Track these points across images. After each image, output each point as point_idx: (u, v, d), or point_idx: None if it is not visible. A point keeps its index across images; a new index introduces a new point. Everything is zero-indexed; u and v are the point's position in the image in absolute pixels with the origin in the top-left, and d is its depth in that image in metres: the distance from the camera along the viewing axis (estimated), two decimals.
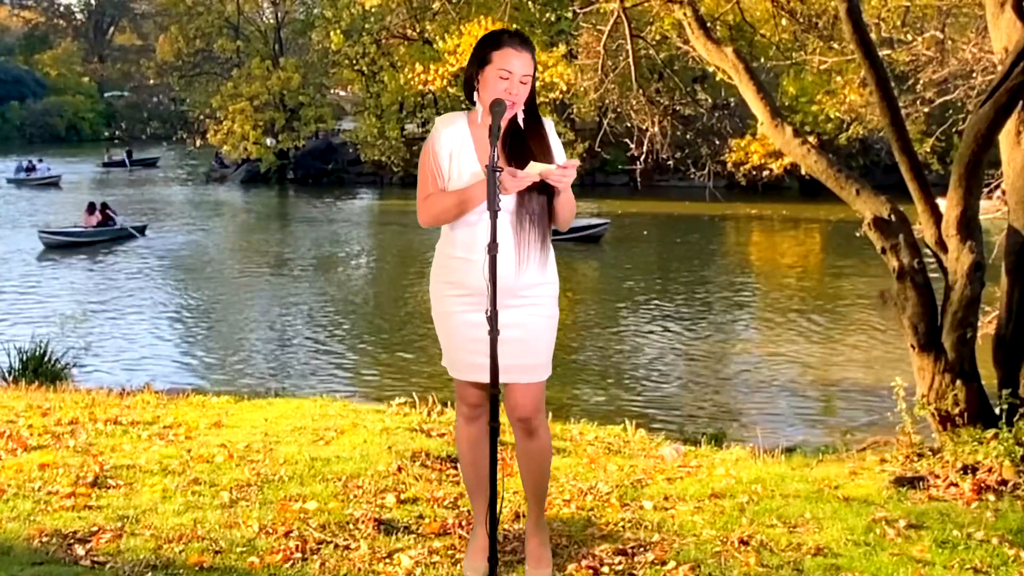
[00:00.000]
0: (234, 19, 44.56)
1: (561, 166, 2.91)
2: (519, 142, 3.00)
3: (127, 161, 49.58)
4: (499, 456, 3.00)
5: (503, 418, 3.06)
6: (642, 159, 10.19)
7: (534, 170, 2.88)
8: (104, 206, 26.17)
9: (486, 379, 2.92)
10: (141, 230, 26.37)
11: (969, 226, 4.70)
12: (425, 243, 24.54)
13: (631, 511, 3.82)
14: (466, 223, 2.98)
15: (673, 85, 13.64)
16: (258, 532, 3.49)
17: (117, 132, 64.32)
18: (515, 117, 3.01)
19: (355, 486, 4.00)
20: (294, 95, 40.44)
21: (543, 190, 2.97)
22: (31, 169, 40.49)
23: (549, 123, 3.11)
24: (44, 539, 3.42)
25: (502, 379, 2.91)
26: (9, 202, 34.57)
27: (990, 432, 4.44)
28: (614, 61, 8.97)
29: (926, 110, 10.09)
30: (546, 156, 2.99)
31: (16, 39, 72.82)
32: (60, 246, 24.43)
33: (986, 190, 6.71)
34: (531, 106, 3.04)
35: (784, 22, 9.19)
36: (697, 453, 5.20)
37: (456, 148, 3.00)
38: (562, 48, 15.04)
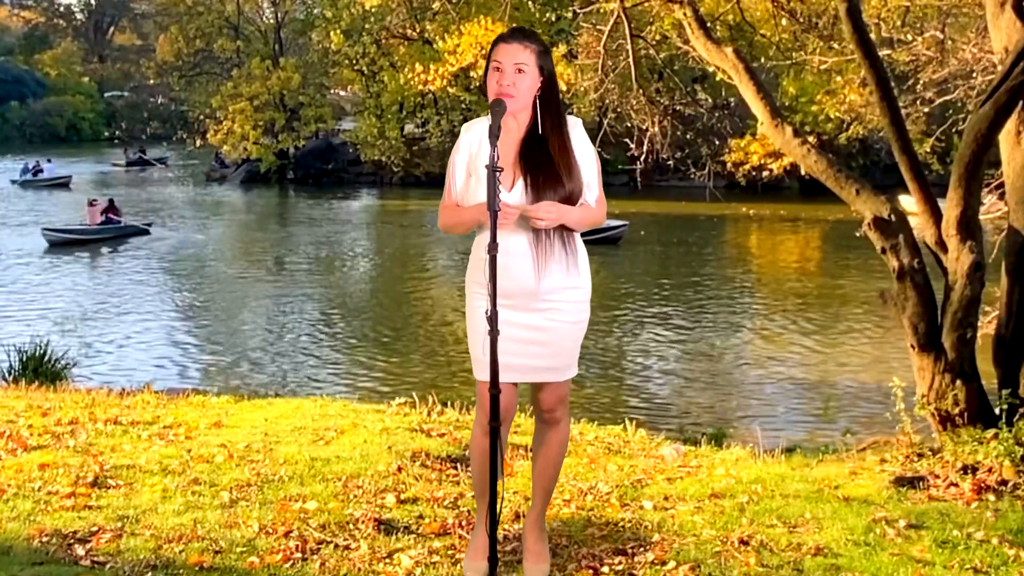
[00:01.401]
0: (234, 19, 44.57)
1: (531, 211, 2.87)
2: (537, 145, 2.97)
3: (148, 159, 49.69)
4: (499, 456, 3.00)
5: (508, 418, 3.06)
6: (642, 159, 10.20)
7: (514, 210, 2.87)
8: (110, 203, 26.29)
9: (511, 379, 2.94)
10: (146, 228, 26.47)
11: (969, 226, 4.70)
12: (425, 243, 24.52)
13: (631, 511, 3.82)
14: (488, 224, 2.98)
15: (673, 85, 13.64)
16: (258, 532, 3.50)
17: (117, 132, 64.34)
18: (535, 120, 2.98)
19: (355, 486, 4.00)
20: (294, 95, 40.45)
21: (559, 192, 2.94)
22: (38, 170, 40.14)
23: (576, 123, 3.05)
24: (44, 539, 3.42)
25: (528, 379, 2.95)
26: (16, 202, 34.44)
27: (990, 432, 4.44)
28: (614, 61, 8.97)
29: (926, 110, 10.09)
30: (566, 161, 2.96)
31: (16, 39, 72.81)
32: (63, 244, 24.43)
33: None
34: (553, 106, 3.00)
35: (784, 22, 9.19)
36: (697, 453, 5.19)
37: (475, 149, 2.99)
38: (562, 48, 15.02)
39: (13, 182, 39.58)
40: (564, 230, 2.97)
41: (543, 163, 2.94)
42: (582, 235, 3.07)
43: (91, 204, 26.04)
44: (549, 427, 3.16)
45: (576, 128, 3.04)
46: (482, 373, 3.02)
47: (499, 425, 2.95)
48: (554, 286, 2.97)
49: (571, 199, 2.95)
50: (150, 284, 20.72)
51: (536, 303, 2.95)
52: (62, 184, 39.35)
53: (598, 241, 23.67)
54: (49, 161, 41.43)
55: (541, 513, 3.23)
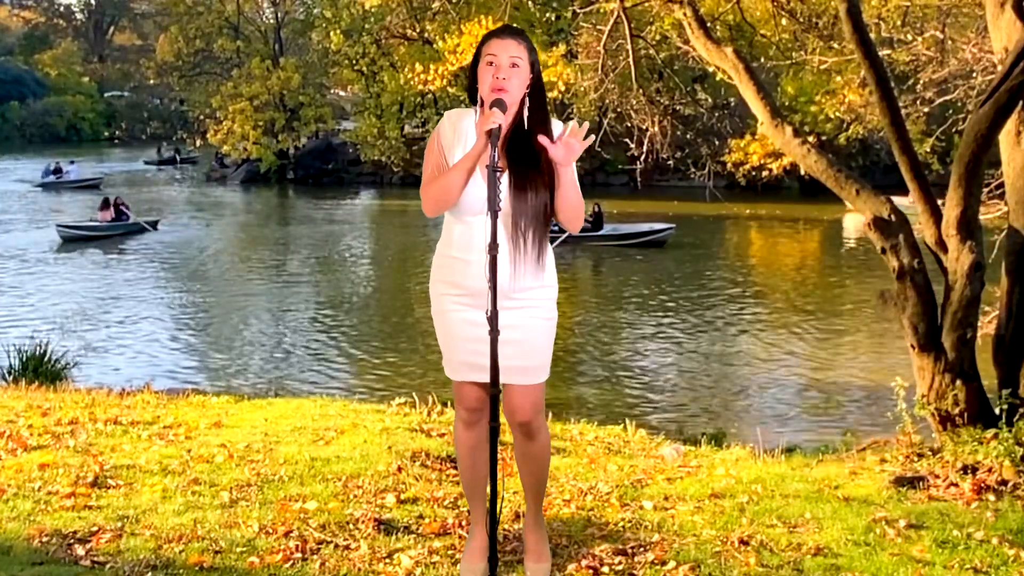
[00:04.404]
0: (234, 19, 44.54)
1: (560, 138, 2.88)
2: (522, 140, 2.96)
3: (177, 158, 49.63)
4: (499, 456, 3.00)
5: (502, 418, 3.05)
6: (642, 159, 10.22)
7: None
8: (118, 201, 26.95)
9: (484, 379, 2.91)
10: (154, 224, 27.07)
11: (969, 226, 4.70)
12: (425, 243, 24.54)
13: (631, 511, 3.82)
14: (464, 222, 2.96)
15: (673, 85, 13.67)
16: (258, 532, 3.49)
17: (117, 132, 64.29)
18: (521, 117, 2.97)
19: (355, 486, 4.00)
20: (294, 95, 40.42)
21: (541, 192, 2.94)
22: (58, 172, 39.76)
23: (559, 126, 3.06)
24: (44, 539, 3.42)
25: (501, 380, 2.90)
26: (39, 203, 34.21)
27: (990, 432, 4.44)
28: (614, 61, 8.97)
29: (926, 110, 10.08)
30: (548, 156, 2.95)
31: (16, 39, 72.76)
32: (76, 239, 25.21)
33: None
34: (540, 106, 3.00)
35: (784, 22, 9.20)
36: (697, 453, 5.20)
37: (461, 143, 2.98)
38: (562, 48, 15.03)
39: (35, 185, 39.13)
40: (539, 229, 2.95)
41: (528, 158, 2.93)
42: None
43: (103, 207, 26.77)
44: (527, 440, 3.11)
45: (557, 129, 3.03)
46: (457, 374, 3.06)
47: (499, 425, 2.95)
48: (526, 284, 2.96)
49: (551, 196, 2.95)
50: (150, 284, 20.72)
51: (506, 301, 2.90)
52: (92, 185, 38.92)
53: (645, 244, 23.61)
54: (72, 163, 40.99)
55: (538, 514, 3.23)
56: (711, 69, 6.64)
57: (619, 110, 10.52)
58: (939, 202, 4.93)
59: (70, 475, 4.10)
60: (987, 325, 5.46)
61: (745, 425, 10.25)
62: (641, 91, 9.53)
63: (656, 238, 23.76)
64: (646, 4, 8.11)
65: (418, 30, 35.54)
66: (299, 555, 3.30)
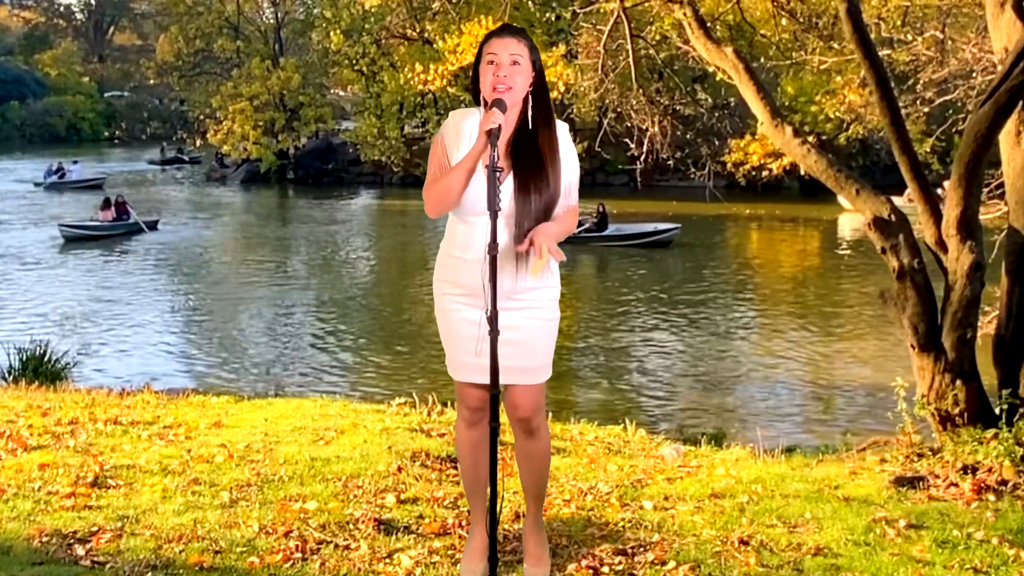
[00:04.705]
0: (234, 19, 44.54)
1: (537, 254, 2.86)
2: (527, 140, 2.96)
3: (185, 158, 49.58)
4: (499, 456, 3.00)
5: (503, 418, 3.06)
6: (642, 159, 10.21)
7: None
8: (120, 200, 27.13)
9: (485, 380, 2.92)
10: (154, 224, 27.18)
11: (969, 226, 4.70)
12: (425, 243, 24.54)
13: (631, 511, 3.82)
14: (466, 222, 2.96)
15: (673, 85, 13.67)
16: (258, 532, 3.50)
17: (117, 132, 64.28)
18: (525, 117, 2.97)
19: (355, 486, 4.00)
20: (294, 95, 40.41)
21: (544, 192, 2.94)
22: (60, 171, 39.58)
23: (564, 127, 3.05)
24: (44, 539, 3.42)
25: (501, 380, 2.90)
26: (44, 204, 34.17)
27: (990, 432, 4.44)
28: (614, 61, 8.97)
29: (926, 110, 10.08)
30: (553, 158, 2.95)
31: (16, 39, 72.72)
32: (78, 239, 25.40)
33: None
34: (544, 106, 3.00)
35: (784, 22, 9.20)
36: (697, 453, 5.20)
37: (465, 142, 2.97)
38: (562, 48, 15.04)
39: (37, 184, 39.07)
40: None
41: (532, 158, 2.93)
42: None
43: (104, 207, 26.94)
44: (527, 438, 3.11)
45: (562, 130, 3.03)
46: (459, 373, 3.06)
47: (499, 425, 2.95)
48: (528, 285, 2.96)
49: (553, 197, 2.95)
50: (150, 284, 20.73)
51: (507, 302, 2.91)
52: (95, 185, 38.72)
53: (649, 244, 23.60)
54: (75, 163, 40.84)
55: (538, 516, 3.22)
56: (711, 69, 6.63)
57: (619, 110, 10.52)
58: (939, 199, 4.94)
59: (70, 475, 4.10)
60: (987, 325, 5.46)
61: (745, 425, 10.25)
62: (641, 91, 9.53)
63: (661, 238, 23.73)
64: (646, 4, 8.11)
65: (418, 30, 35.56)
66: (299, 555, 3.31)
